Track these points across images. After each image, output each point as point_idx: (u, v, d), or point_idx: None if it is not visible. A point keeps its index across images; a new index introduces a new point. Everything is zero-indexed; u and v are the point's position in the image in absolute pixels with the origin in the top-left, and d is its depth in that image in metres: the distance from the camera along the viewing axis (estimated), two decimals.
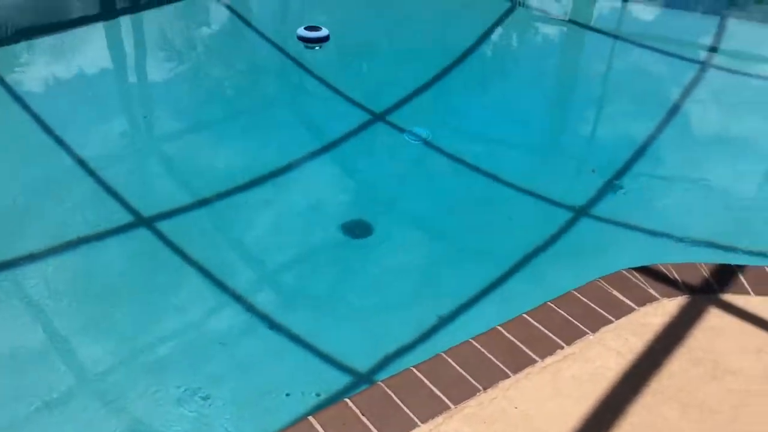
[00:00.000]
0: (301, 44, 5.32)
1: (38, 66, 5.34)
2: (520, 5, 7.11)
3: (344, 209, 4.07)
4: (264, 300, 3.36)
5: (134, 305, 3.30)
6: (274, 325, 3.21)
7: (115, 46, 5.95)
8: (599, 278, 2.74)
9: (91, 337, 3.10)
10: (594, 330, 2.48)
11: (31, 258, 3.49)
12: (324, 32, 5.23)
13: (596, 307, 2.58)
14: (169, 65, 5.67)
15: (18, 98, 4.82)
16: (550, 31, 6.86)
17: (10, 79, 5.04)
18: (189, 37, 6.21)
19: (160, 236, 3.69)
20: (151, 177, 4.35)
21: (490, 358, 2.33)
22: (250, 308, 3.30)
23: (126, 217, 3.79)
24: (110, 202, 3.90)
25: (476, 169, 4.43)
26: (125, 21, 6.37)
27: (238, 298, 3.34)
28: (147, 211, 3.83)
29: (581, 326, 2.48)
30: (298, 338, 3.15)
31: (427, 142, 4.62)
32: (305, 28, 5.31)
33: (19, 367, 2.91)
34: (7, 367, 2.90)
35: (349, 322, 3.30)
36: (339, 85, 5.28)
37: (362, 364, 3.02)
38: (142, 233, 3.72)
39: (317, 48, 5.27)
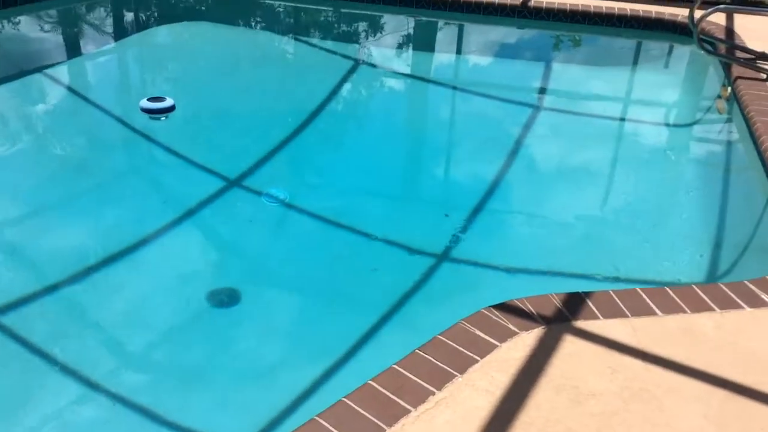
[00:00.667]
0: (146, 116, 5.21)
1: None
2: (362, 63, 7.37)
3: (208, 278, 3.97)
4: (130, 383, 3.18)
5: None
6: (141, 409, 3.05)
7: None
8: (462, 320, 2.83)
9: None
10: (462, 371, 2.54)
11: None
12: (169, 102, 5.16)
13: (462, 349, 2.65)
14: (4, 148, 5.35)
15: None
16: (394, 85, 7.15)
17: None
18: (26, 117, 5.89)
19: (5, 330, 3.42)
20: None
21: (364, 415, 2.33)
22: (114, 395, 3.11)
23: None
24: None
25: (337, 224, 4.49)
26: None
27: (98, 387, 3.15)
28: None
29: (450, 369, 2.55)
30: (168, 420, 3.00)
31: (285, 203, 4.62)
32: (148, 100, 5.22)
33: None
34: None
35: (223, 394, 3.20)
36: (190, 154, 5.19)
37: None
38: None
39: (163, 118, 5.19)
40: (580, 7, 7.52)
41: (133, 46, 7.59)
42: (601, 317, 2.91)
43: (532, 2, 7.64)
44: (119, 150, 5.45)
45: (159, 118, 5.21)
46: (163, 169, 5.19)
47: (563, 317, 2.89)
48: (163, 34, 7.97)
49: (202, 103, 6.05)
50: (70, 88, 6.48)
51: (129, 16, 8.51)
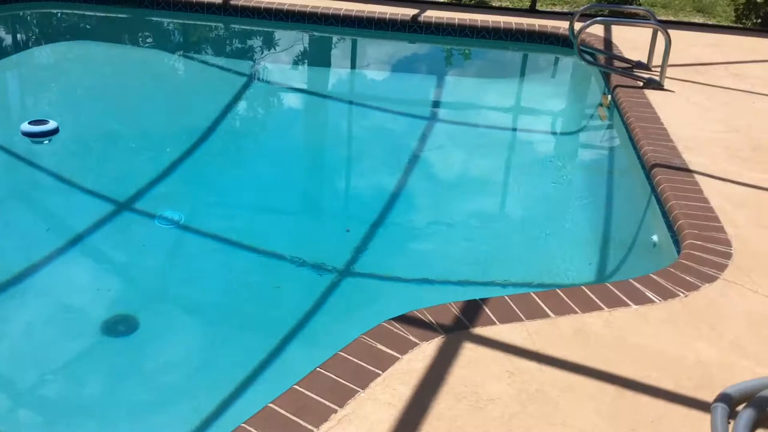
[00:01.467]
0: (28, 140, 4.96)
1: None
2: (255, 79, 7.29)
3: (102, 307, 3.80)
4: (22, 421, 2.99)
5: None
6: None
7: None
8: (363, 334, 2.83)
9: None
10: (364, 387, 2.54)
11: None
12: (52, 125, 4.94)
13: (363, 363, 2.65)
14: None
15: None
16: (289, 100, 7.11)
17: None
18: None
19: None
20: None
21: None
22: None
23: None
24: None
25: (237, 244, 4.41)
26: None
27: None
28: None
29: (351, 385, 2.53)
30: None
31: (180, 225, 4.50)
32: (30, 123, 4.97)
33: None
34: None
35: (120, 428, 3.06)
36: (76, 178, 4.97)
37: None
38: None
39: (46, 142, 4.96)
40: (467, 21, 7.74)
41: (12, 66, 7.21)
42: (498, 322, 2.97)
43: (422, 17, 7.81)
44: (8, 175, 5.16)
45: (42, 142, 4.97)
46: (48, 194, 4.94)
47: (462, 325, 2.94)
48: (45, 54, 7.63)
49: (88, 124, 5.80)
50: None
51: (7, 35, 8.09)
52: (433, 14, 7.90)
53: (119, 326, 3.61)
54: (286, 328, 3.69)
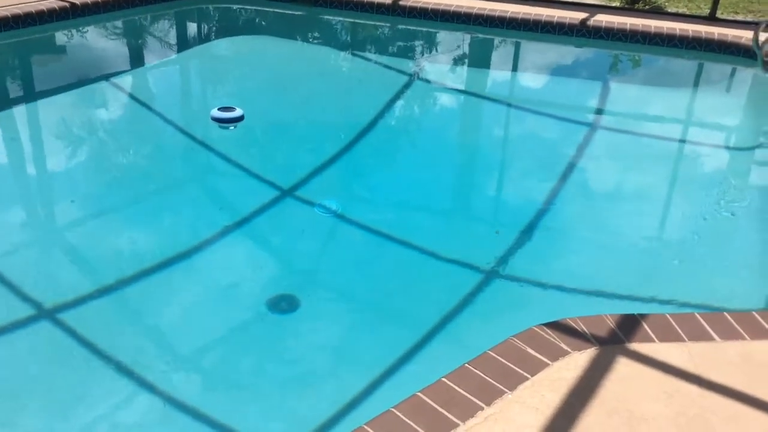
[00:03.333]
0: (216, 125, 5.34)
1: None
2: (417, 78, 7.40)
3: (259, 286, 4.02)
4: (181, 386, 3.23)
5: (39, 404, 3.11)
6: (193, 412, 3.09)
7: (8, 136, 5.77)
8: (513, 336, 2.80)
9: None
10: (512, 388, 2.51)
11: None
12: (238, 112, 5.27)
13: (512, 366, 2.63)
14: (70, 152, 5.54)
15: None
16: (448, 100, 7.16)
17: None
18: (95, 124, 6.09)
19: (65, 328, 3.52)
20: (53, 267, 4.17)
21: (412, 426, 2.32)
22: (167, 396, 3.16)
23: (26, 310, 3.60)
24: (8, 294, 3.70)
25: (388, 237, 4.49)
26: (20, 110, 6.22)
27: (152, 388, 3.20)
28: (49, 303, 3.66)
29: (499, 386, 2.52)
30: (220, 424, 3.04)
31: (338, 214, 4.66)
32: (219, 109, 5.34)
33: None
34: None
35: (272, 401, 3.22)
36: (250, 163, 5.28)
37: None
38: (44, 326, 3.54)
39: (231, 128, 5.31)
40: (640, 27, 7.43)
41: (196, 57, 7.79)
42: (656, 340, 2.84)
43: (591, 21, 7.58)
44: (182, 157, 5.59)
45: (228, 127, 5.33)
46: (224, 176, 5.29)
47: (617, 339, 2.84)
48: (224, 46, 8.15)
49: (263, 114, 6.15)
50: (138, 97, 6.67)
51: (191, 28, 8.74)
52: (603, 18, 7.65)
53: (273, 305, 3.79)
54: (431, 323, 3.72)
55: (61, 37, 7.52)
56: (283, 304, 3.81)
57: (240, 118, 5.31)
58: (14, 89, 6.71)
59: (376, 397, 3.20)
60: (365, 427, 2.31)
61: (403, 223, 4.66)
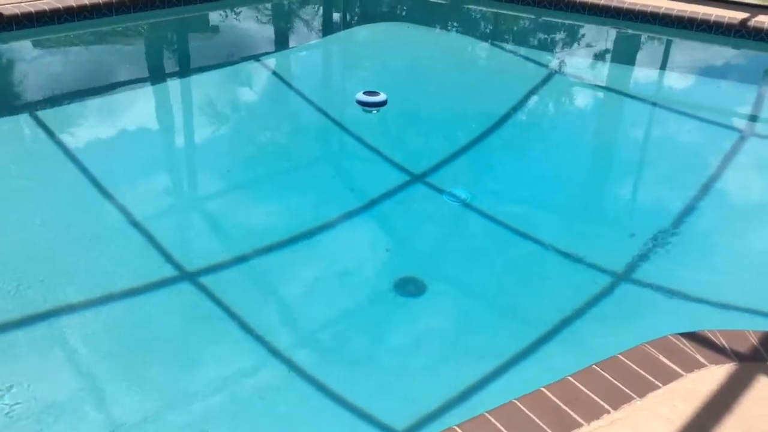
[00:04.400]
0: (359, 108, 5.48)
1: (89, 125, 5.54)
2: (557, 72, 7.22)
3: (382, 268, 4.09)
4: (302, 356, 3.35)
5: (173, 358, 3.32)
6: (312, 381, 3.20)
7: (162, 107, 6.16)
8: (645, 343, 2.69)
9: (127, 389, 3.11)
10: (641, 395, 2.42)
11: (72, 308, 3.54)
12: (382, 97, 5.38)
13: (643, 372, 2.53)
14: (215, 126, 5.84)
15: (69, 154, 4.99)
16: (588, 97, 6.94)
17: (63, 137, 5.22)
18: (239, 100, 6.40)
19: (203, 290, 3.73)
20: (194, 232, 4.43)
21: (534, 420, 2.29)
22: (289, 363, 3.28)
23: (169, 271, 3.84)
24: (155, 255, 3.96)
25: (515, 231, 4.44)
26: (173, 84, 6.62)
27: (276, 354, 3.34)
28: (189, 266, 3.88)
29: (628, 390, 2.43)
30: (336, 395, 3.13)
31: (466, 203, 4.64)
32: (364, 93, 5.48)
33: (51, 416, 2.93)
34: (39, 415, 2.92)
35: (388, 380, 3.27)
36: (386, 147, 5.36)
37: (399, 423, 2.98)
38: (185, 287, 3.77)
39: (374, 112, 5.43)
40: None
41: (338, 42, 7.98)
42: None
43: (752, 22, 7.09)
44: (324, 137, 5.76)
45: (371, 111, 5.46)
46: (360, 158, 5.40)
47: (759, 356, 2.66)
48: (365, 33, 8.30)
49: (401, 100, 6.22)
50: (283, 77, 6.93)
51: (334, 13, 8.95)
52: (766, 20, 7.14)
53: (394, 288, 3.82)
54: (554, 321, 3.64)
55: (214, 17, 7.93)
56: (407, 287, 3.85)
57: (383, 103, 5.42)
58: (170, 65, 7.15)
59: (493, 388, 3.18)
60: (486, 415, 2.30)
61: (532, 219, 4.58)
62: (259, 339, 3.41)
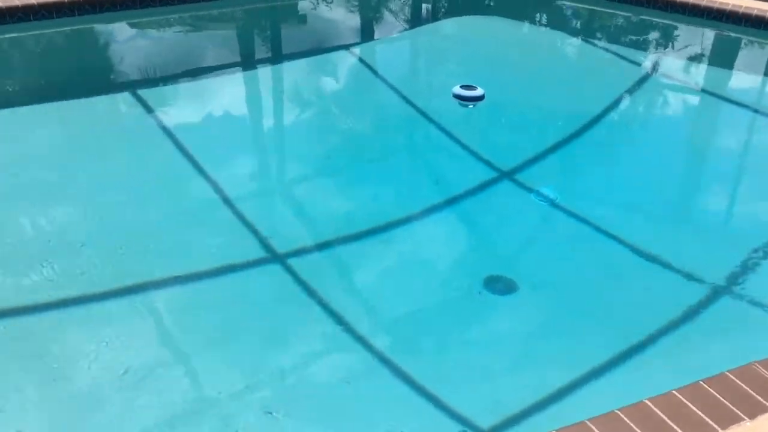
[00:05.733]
0: (456, 102, 5.43)
1: (186, 106, 5.67)
2: (654, 73, 6.98)
3: (466, 264, 4.03)
4: (384, 343, 3.33)
5: (259, 336, 3.35)
6: (395, 369, 3.17)
7: (255, 93, 6.25)
8: (756, 362, 2.56)
9: (212, 365, 3.16)
10: (751, 416, 2.29)
11: (164, 282, 3.62)
12: (479, 92, 5.33)
13: (753, 393, 2.40)
14: (306, 113, 5.90)
15: (168, 134, 5.10)
16: (686, 100, 6.68)
17: (162, 116, 5.35)
18: (330, 89, 6.43)
19: (291, 273, 3.76)
20: (283, 215, 4.48)
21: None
22: (372, 349, 3.27)
23: (258, 251, 3.88)
24: (245, 235, 4.02)
25: (606, 234, 4.30)
26: (266, 70, 6.71)
27: (360, 339, 3.33)
28: (279, 247, 3.92)
29: (737, 411, 2.31)
30: (420, 385, 3.09)
31: (554, 203, 4.54)
32: (461, 87, 5.43)
33: (137, 384, 3.00)
34: (126, 383, 2.99)
35: (472, 376, 3.22)
36: (477, 143, 5.27)
37: (483, 420, 2.94)
38: (275, 268, 3.81)
39: (470, 106, 5.36)
40: None
41: (428, 34, 7.91)
42: None
43: None
44: (415, 129, 5.73)
45: (467, 105, 5.39)
46: (450, 152, 5.33)
47: None
48: (454, 25, 8.21)
49: (490, 95, 6.12)
50: (373, 67, 6.92)
51: (423, 5, 8.90)
52: None
53: (477, 285, 3.75)
54: (648, 331, 3.51)
55: (306, 6, 8.00)
56: (494, 285, 3.78)
57: (481, 98, 5.34)
58: (263, 51, 7.26)
59: (582, 396, 3.09)
60: (587, 423, 2.23)
61: (625, 224, 4.43)
62: (343, 324, 3.41)
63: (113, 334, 3.26)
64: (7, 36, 6.24)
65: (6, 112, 5.36)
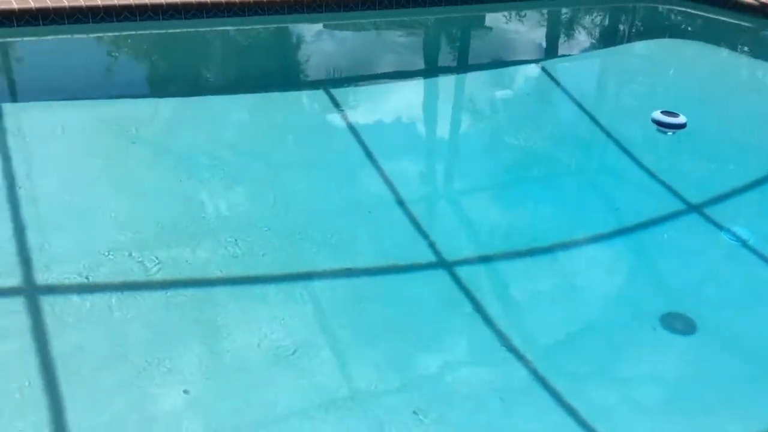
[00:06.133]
0: (654, 127, 5.21)
1: (371, 107, 5.83)
2: None
3: (642, 296, 3.81)
4: (545, 366, 3.21)
5: (417, 337, 3.35)
6: (554, 394, 3.05)
7: (436, 101, 6.32)
8: None
9: (370, 359, 3.20)
10: None
11: (327, 274, 3.70)
12: (681, 119, 5.08)
13: None
14: (487, 125, 5.87)
15: (353, 131, 5.27)
16: None
17: (348, 114, 5.52)
18: (515, 101, 6.35)
19: (456, 280, 3.73)
20: (453, 222, 4.48)
21: None
22: (531, 370, 3.17)
23: (428, 256, 3.89)
24: (415, 239, 4.04)
25: None
26: (449, 79, 6.77)
27: (520, 357, 3.24)
28: (449, 255, 3.90)
29: None
30: (578, 415, 2.97)
31: (748, 245, 4.18)
32: (662, 112, 5.22)
33: (283, 359, 3.09)
34: (274, 357, 3.10)
35: (635, 414, 3.05)
36: (662, 169, 5.01)
37: None
38: (441, 273, 3.80)
39: (670, 133, 5.12)
40: None
41: (620, 54, 7.59)
42: None
43: None
44: (609, 151, 5.52)
45: (666, 132, 5.17)
46: (635, 177, 5.04)
47: None
48: (649, 48, 7.80)
49: (694, 123, 5.76)
50: (565, 85, 6.70)
51: (616, 25, 8.56)
52: None
53: (644, 317, 3.56)
54: None
55: (491, 18, 7.97)
56: (668, 321, 3.54)
57: (682, 125, 5.08)
58: (447, 60, 7.33)
59: None
60: None
61: None
62: (503, 337, 3.33)
63: (268, 312, 3.37)
64: (222, 28, 6.73)
65: (211, 98, 5.77)
